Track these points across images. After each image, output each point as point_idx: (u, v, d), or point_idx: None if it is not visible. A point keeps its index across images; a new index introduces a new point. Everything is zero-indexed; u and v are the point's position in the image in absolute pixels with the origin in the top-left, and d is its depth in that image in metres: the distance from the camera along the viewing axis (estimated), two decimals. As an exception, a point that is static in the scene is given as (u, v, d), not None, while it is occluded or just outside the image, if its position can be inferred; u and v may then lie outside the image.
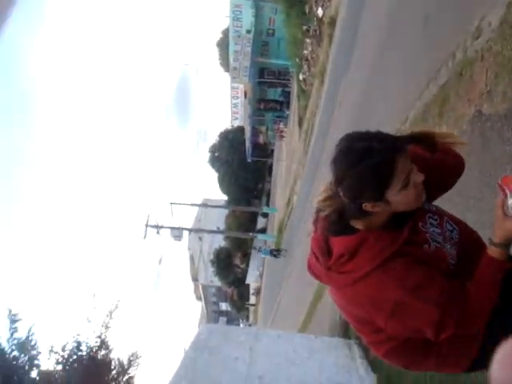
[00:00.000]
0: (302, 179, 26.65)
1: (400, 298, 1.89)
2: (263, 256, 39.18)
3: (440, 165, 2.13)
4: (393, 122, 8.28)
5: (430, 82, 6.91)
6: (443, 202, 2.35)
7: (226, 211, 59.64)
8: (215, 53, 56.85)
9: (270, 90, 44.48)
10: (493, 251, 1.98)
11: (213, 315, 74.83)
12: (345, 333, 9.62)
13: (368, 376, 7.43)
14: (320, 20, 23.37)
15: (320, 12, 23.32)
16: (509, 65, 4.49)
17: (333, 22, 20.68)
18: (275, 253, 30.95)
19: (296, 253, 22.63)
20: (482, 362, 2.10)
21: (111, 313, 14.32)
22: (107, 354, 14.20)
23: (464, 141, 2.25)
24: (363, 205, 1.89)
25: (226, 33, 43.49)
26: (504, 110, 4.56)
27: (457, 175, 2.26)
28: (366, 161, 1.80)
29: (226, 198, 62.64)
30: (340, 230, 2.00)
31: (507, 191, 1.91)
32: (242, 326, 54.44)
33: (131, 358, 14.66)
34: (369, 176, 1.82)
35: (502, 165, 4.42)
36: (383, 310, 1.94)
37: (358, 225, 2.00)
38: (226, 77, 44.41)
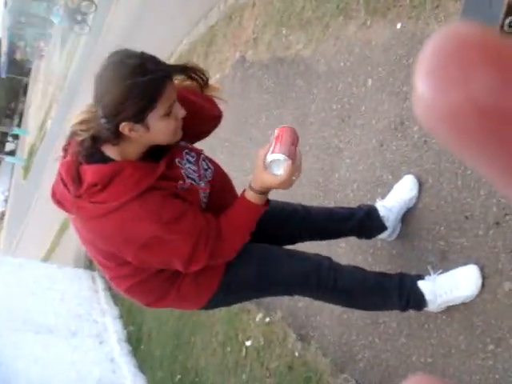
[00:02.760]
0: (59, 103, 25.49)
1: (155, 230, 1.87)
2: (56, 23, 23.20)
3: (203, 112, 2.14)
4: (158, 54, 8.10)
5: (200, 21, 6.85)
6: (200, 143, 2.31)
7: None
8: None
9: (34, 3, 41.40)
10: (250, 195, 2.03)
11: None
12: (89, 264, 9.51)
13: (110, 308, 7.50)
14: None
15: None
16: (277, 16, 4.56)
17: None
18: (80, 17, 18.36)
19: (45, 179, 21.72)
20: (217, 300, 2.21)
21: None
22: None
23: (226, 99, 2.31)
24: (120, 125, 1.78)
25: None
26: (267, 59, 4.65)
27: (215, 126, 2.29)
28: (137, 77, 1.74)
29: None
30: (94, 157, 1.87)
31: (273, 146, 1.95)
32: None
33: None
34: (136, 92, 1.75)
35: (259, 112, 4.53)
36: (135, 241, 1.89)
37: (112, 154, 1.89)
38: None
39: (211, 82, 2.17)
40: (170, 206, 1.90)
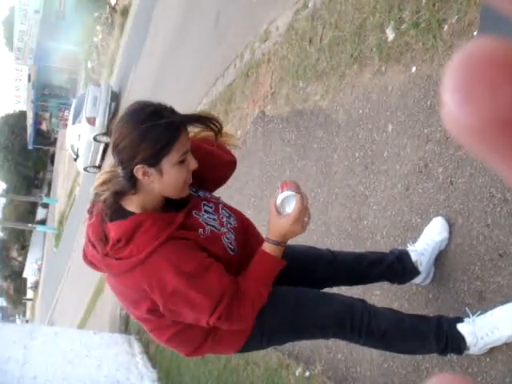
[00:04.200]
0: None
1: (176, 283, 1.88)
2: None
3: (218, 158, 2.20)
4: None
5: (218, 80, 6.98)
6: (225, 200, 2.33)
7: (3, 200, 56.03)
8: (0, 30, 52.88)
9: (56, 74, 42.64)
10: (267, 247, 2.05)
11: (-13, 312, 69.91)
12: (125, 328, 9.47)
13: (148, 371, 7.43)
14: (113, 8, 22.84)
15: None
16: (293, 69, 4.63)
17: (125, 12, 20.34)
18: None
19: (76, 246, 21.92)
20: (252, 343, 2.20)
21: None
22: None
23: (240, 145, 2.33)
24: (135, 168, 1.83)
25: (12, 10, 40.67)
26: (286, 112, 4.70)
27: (231, 171, 2.35)
28: (153, 121, 1.81)
29: (4, 185, 58.99)
30: (116, 214, 1.92)
31: (280, 190, 2.03)
32: (18, 321, 51.29)
33: None
34: (153, 135, 1.82)
35: (282, 165, 4.56)
36: (162, 292, 1.90)
37: (133, 207, 1.94)
38: (11, 57, 41.63)
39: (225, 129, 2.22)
40: (193, 258, 1.92)
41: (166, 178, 1.89)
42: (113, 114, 16.24)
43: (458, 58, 0.23)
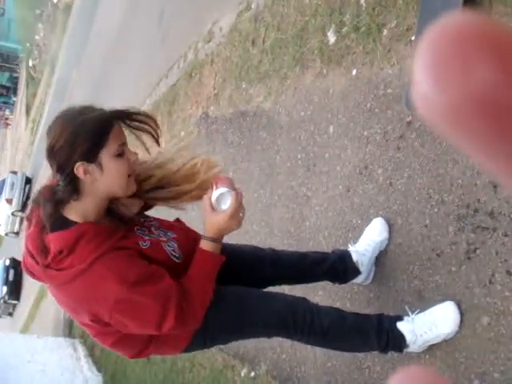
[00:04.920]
0: (28, 170, 25.38)
1: (121, 292, 1.85)
2: None
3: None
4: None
5: (162, 81, 6.94)
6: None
7: None
8: None
9: (-4, 73, 41.60)
10: (205, 245, 2.06)
11: None
12: (69, 332, 9.31)
13: (93, 375, 7.35)
14: (55, 5, 22.42)
15: (55, -3, 22.38)
16: (236, 70, 4.64)
17: (68, 9, 19.99)
18: None
19: (21, 244, 21.47)
20: (196, 343, 2.20)
21: None
22: None
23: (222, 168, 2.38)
24: (75, 168, 1.79)
25: None
26: (229, 114, 4.70)
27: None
28: (85, 115, 1.80)
29: None
30: (56, 223, 1.87)
31: (214, 188, 2.03)
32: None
33: None
34: (86, 128, 1.79)
35: (226, 167, 4.55)
36: (106, 302, 1.87)
37: (74, 215, 1.89)
38: None
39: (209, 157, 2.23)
40: (135, 266, 1.89)
41: (108, 173, 1.86)
42: (27, 195, 20.92)
43: (430, 34, 0.22)
